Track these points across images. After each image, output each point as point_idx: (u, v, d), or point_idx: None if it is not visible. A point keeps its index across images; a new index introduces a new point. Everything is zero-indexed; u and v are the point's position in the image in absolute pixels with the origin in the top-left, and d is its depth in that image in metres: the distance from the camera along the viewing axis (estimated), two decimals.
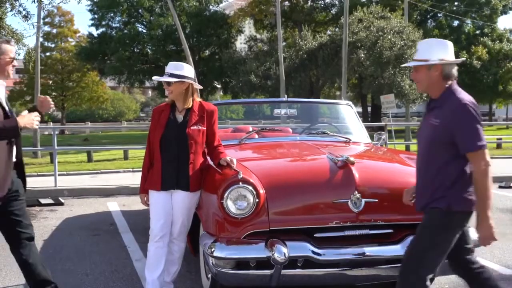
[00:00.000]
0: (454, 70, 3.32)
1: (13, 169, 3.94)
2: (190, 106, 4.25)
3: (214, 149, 4.34)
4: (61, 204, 9.25)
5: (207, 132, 4.28)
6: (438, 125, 3.21)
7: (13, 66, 3.99)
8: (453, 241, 3.29)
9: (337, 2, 39.07)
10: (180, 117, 4.23)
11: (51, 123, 39.65)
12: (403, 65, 3.91)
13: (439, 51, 3.30)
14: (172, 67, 4.25)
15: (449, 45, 3.36)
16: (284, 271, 3.70)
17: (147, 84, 46.11)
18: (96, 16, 40.28)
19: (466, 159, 3.19)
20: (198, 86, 4.34)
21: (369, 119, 35.79)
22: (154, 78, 4.70)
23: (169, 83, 4.19)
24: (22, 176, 4.09)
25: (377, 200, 3.93)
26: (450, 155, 3.20)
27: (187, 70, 4.24)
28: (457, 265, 3.51)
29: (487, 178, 3.13)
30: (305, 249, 3.75)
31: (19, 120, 3.84)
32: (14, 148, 3.90)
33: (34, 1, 11.84)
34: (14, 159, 3.92)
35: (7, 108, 3.89)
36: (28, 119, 3.89)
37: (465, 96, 3.24)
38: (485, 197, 3.13)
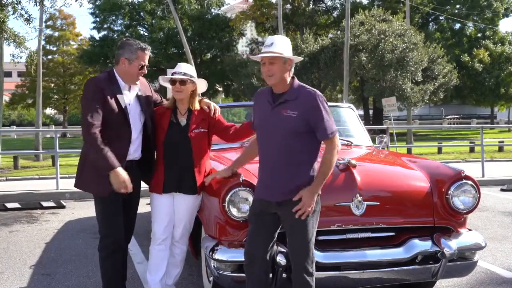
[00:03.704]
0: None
1: (134, 167, 4.12)
2: (193, 108, 4.24)
3: (229, 128, 4.33)
4: (63, 207, 9.26)
5: (215, 124, 4.27)
6: (296, 116, 3.44)
7: (142, 73, 4.08)
8: None
9: (338, 5, 39.06)
10: (183, 120, 4.22)
11: (53, 126, 39.70)
12: (265, 55, 3.51)
13: (289, 48, 3.54)
14: (185, 67, 4.26)
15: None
16: (286, 274, 3.70)
17: None
18: (98, 19, 40.33)
19: (316, 146, 3.54)
20: (203, 89, 4.35)
21: (371, 122, 35.76)
22: (175, 76, 4.17)
23: (183, 82, 4.17)
24: (144, 175, 4.27)
25: (378, 203, 3.94)
26: (306, 144, 3.49)
27: (195, 72, 4.28)
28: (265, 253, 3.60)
29: (336, 159, 3.52)
30: None
31: (113, 172, 3.81)
32: (132, 146, 4.05)
33: (36, 4, 11.79)
34: (129, 158, 4.06)
35: (129, 112, 4.02)
36: (119, 180, 3.83)
37: (314, 89, 3.56)
38: (328, 174, 3.49)
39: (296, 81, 3.58)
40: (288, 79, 3.55)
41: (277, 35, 3.67)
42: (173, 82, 4.18)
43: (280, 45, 3.50)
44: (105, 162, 3.82)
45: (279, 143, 3.50)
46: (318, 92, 3.55)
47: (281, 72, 3.50)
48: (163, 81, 4.38)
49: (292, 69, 3.57)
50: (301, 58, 3.54)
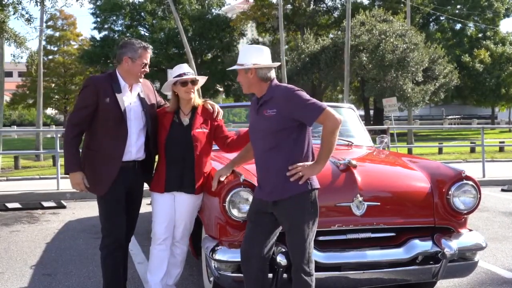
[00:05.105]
0: (271, 73, 3.63)
1: (137, 167, 4.15)
2: (196, 103, 4.26)
3: (228, 137, 4.32)
4: (64, 207, 9.26)
5: (216, 128, 4.29)
6: (276, 113, 3.50)
7: (144, 71, 4.12)
8: None
9: (339, 6, 39.09)
10: (186, 120, 4.23)
11: (54, 126, 39.73)
12: (229, 68, 4.01)
13: (253, 57, 3.60)
14: (188, 67, 4.27)
15: (264, 50, 3.65)
16: (286, 275, 3.70)
17: None
18: (98, 19, 40.36)
19: (302, 141, 3.52)
20: (201, 84, 4.39)
21: (371, 122, 35.75)
22: (187, 77, 4.17)
23: (194, 82, 4.20)
24: (145, 176, 4.29)
25: (379, 204, 3.93)
26: (291, 141, 3.50)
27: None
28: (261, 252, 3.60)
29: (337, 133, 3.48)
30: None
31: (72, 174, 3.99)
32: (127, 147, 4.05)
33: (36, 5, 11.82)
34: (130, 158, 4.09)
35: (130, 113, 4.05)
36: (76, 179, 4.00)
37: (287, 85, 3.64)
38: (332, 150, 3.50)
39: (274, 82, 3.65)
40: (264, 84, 3.62)
41: (250, 44, 3.78)
42: (184, 83, 4.17)
43: (243, 56, 3.65)
44: (66, 162, 4.03)
45: (265, 143, 3.56)
46: (290, 85, 3.61)
47: (245, 81, 3.65)
48: (168, 89, 4.31)
49: (270, 74, 3.62)
50: (263, 65, 3.57)
